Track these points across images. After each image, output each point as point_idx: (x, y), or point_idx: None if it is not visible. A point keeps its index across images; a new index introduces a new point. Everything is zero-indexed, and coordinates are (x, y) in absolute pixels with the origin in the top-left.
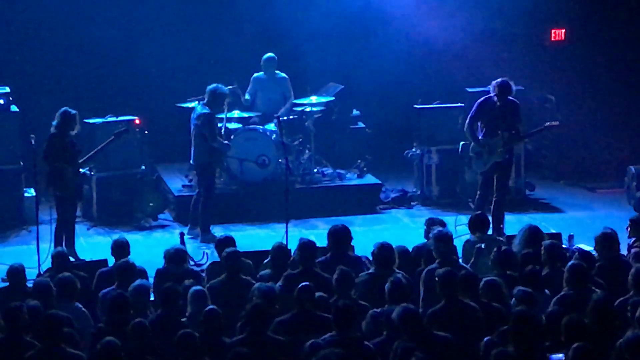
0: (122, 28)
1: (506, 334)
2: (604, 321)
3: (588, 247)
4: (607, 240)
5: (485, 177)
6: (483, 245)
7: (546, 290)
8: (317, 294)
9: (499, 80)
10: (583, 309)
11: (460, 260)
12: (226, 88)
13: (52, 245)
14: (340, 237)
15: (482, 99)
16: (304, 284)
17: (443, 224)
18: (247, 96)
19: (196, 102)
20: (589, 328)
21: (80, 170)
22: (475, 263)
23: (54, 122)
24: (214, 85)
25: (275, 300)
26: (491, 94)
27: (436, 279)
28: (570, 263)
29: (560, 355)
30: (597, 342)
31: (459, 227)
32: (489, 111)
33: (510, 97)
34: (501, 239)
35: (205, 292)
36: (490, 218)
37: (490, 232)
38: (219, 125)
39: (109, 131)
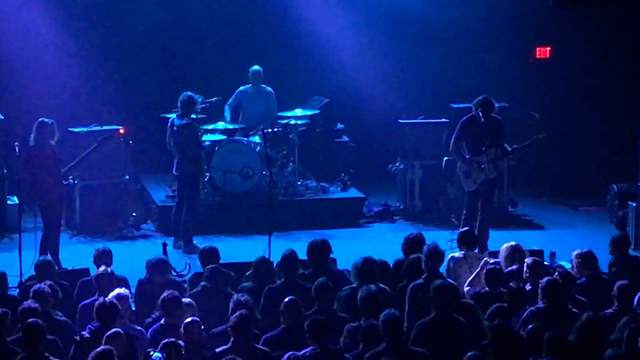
0: (107, 38)
1: (486, 348)
2: (591, 340)
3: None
4: (586, 259)
5: (473, 195)
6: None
7: (530, 307)
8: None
9: (481, 98)
10: (558, 323)
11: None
12: (198, 96)
13: (37, 253)
14: (320, 251)
15: (465, 118)
16: (289, 297)
17: (423, 240)
18: (226, 113)
19: (173, 115)
20: (571, 345)
21: (64, 180)
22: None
23: (32, 135)
24: (184, 94)
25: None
26: (473, 112)
27: (431, 290)
28: (546, 278)
29: None
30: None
31: (451, 242)
32: (473, 129)
33: (493, 114)
34: (484, 257)
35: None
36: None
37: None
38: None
39: (93, 140)
